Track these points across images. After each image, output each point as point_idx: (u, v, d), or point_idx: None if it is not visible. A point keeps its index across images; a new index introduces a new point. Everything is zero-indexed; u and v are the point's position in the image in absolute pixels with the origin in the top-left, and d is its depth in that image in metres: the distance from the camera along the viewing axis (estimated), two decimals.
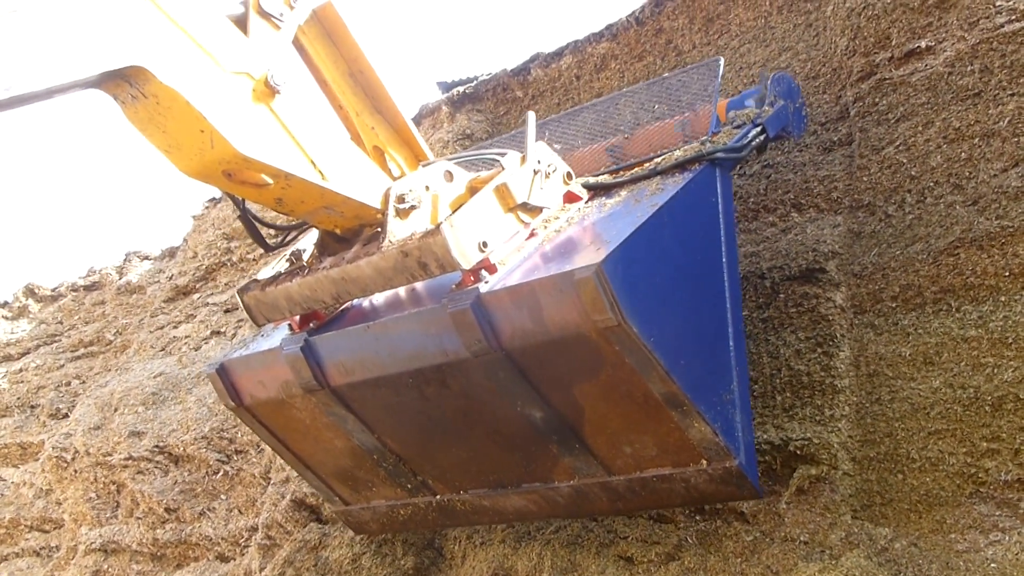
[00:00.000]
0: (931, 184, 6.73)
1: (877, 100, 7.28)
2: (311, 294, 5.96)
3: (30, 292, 15.96)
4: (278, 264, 6.41)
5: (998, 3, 6.87)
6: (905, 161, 6.93)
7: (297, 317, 6.34)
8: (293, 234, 6.45)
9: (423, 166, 6.09)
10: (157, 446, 10.95)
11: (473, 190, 5.90)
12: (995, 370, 5.97)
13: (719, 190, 5.98)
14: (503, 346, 5.34)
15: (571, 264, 5.07)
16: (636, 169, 6.35)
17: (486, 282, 5.44)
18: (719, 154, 6.01)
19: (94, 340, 14.18)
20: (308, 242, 6.35)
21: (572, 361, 5.29)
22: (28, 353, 14.98)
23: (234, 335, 11.54)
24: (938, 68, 7.01)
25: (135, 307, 13.96)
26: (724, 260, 5.87)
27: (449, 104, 10.92)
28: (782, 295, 6.91)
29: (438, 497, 6.74)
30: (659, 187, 5.87)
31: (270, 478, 9.74)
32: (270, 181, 5.33)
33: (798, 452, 6.25)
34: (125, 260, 15.10)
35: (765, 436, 6.41)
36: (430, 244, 5.36)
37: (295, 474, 9.04)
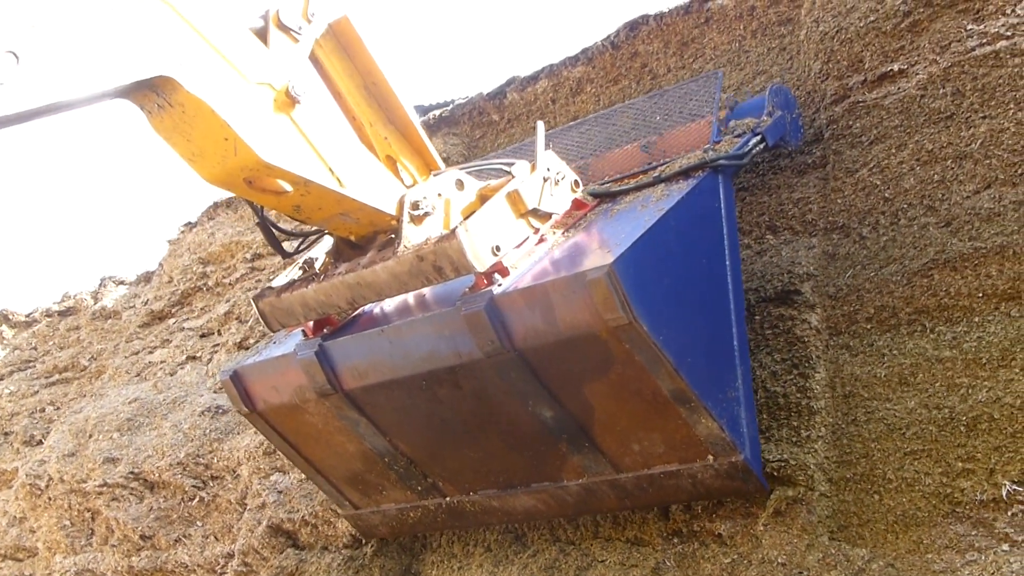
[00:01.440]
0: (905, 206, 6.77)
1: (851, 123, 7.32)
2: (326, 299, 6.12)
3: (3, 318, 15.83)
4: (291, 272, 6.53)
5: (969, 27, 6.93)
6: (879, 183, 6.97)
7: (311, 323, 6.48)
8: (310, 240, 6.59)
9: (435, 175, 6.26)
10: (132, 472, 10.85)
11: (484, 198, 6.09)
12: (969, 390, 5.99)
13: (722, 196, 6.20)
14: (516, 346, 5.50)
15: (582, 266, 5.27)
16: (641, 177, 6.59)
17: (499, 285, 5.63)
18: (721, 161, 6.24)
19: (69, 366, 14.06)
20: (320, 251, 6.49)
21: (583, 360, 5.44)
22: (1, 380, 14.84)
23: (210, 360, 11.48)
24: (911, 91, 7.06)
25: (110, 332, 13.86)
26: (728, 263, 6.08)
27: (425, 127, 10.92)
28: (758, 317, 6.92)
29: (448, 499, 6.84)
30: (664, 193, 6.08)
31: (246, 504, 9.68)
32: (289, 188, 5.54)
33: (775, 474, 6.25)
34: (100, 285, 15.00)
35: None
36: (445, 248, 5.56)
37: (272, 499, 9.00)
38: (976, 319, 6.22)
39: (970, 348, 6.12)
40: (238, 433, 10.10)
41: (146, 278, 14.24)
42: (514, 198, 6.00)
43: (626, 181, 6.77)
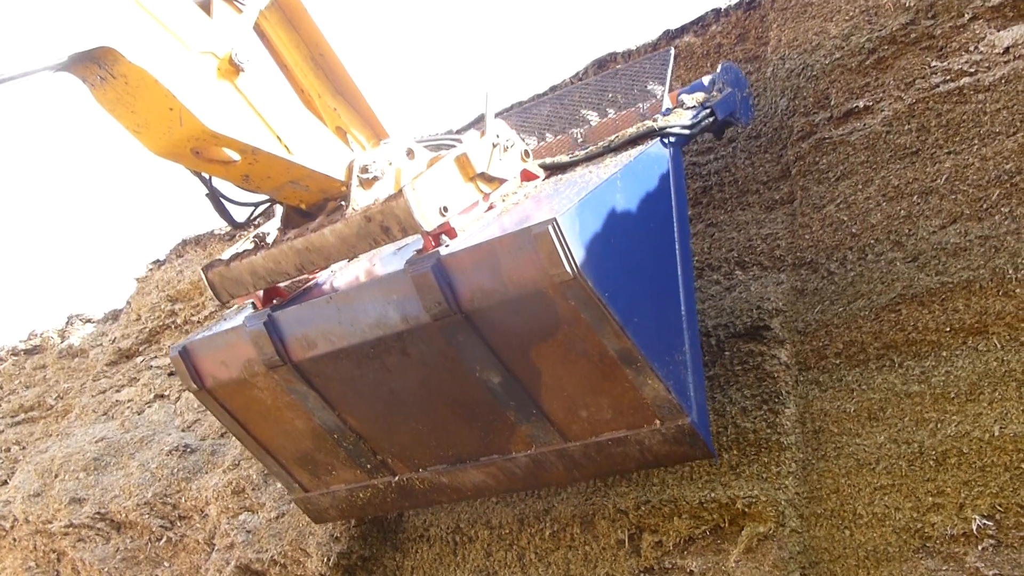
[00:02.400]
0: (872, 241, 6.81)
1: (817, 159, 7.38)
2: (275, 266, 6.10)
3: None
4: (243, 245, 6.49)
5: (933, 64, 7.02)
6: (846, 219, 7.02)
7: (260, 294, 6.44)
8: (260, 208, 6.49)
9: (385, 143, 6.27)
10: (99, 513, 10.73)
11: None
12: (938, 425, 6.01)
13: (670, 165, 6.28)
14: (463, 308, 5.49)
15: (528, 224, 5.25)
16: (591, 148, 6.66)
17: (447, 246, 5.60)
18: (669, 129, 6.38)
19: (35, 405, 13.92)
20: (272, 227, 6.45)
21: (530, 320, 5.43)
22: None
23: (178, 399, 11.38)
24: (876, 127, 7.12)
25: (77, 371, 13.74)
26: (676, 232, 6.14)
27: None
28: (727, 353, 6.93)
29: (397, 477, 6.78)
30: (612, 162, 6.15)
31: (214, 544, 9.58)
32: (237, 158, 5.54)
33: (746, 510, 6.24)
34: (67, 323, 14.87)
35: (712, 495, 6.40)
36: (392, 207, 5.57)
37: (240, 539, 8.91)
38: (944, 353, 6.25)
39: (938, 383, 6.15)
40: (206, 472, 10.01)
41: (114, 316, 14.14)
42: (463, 161, 6.01)
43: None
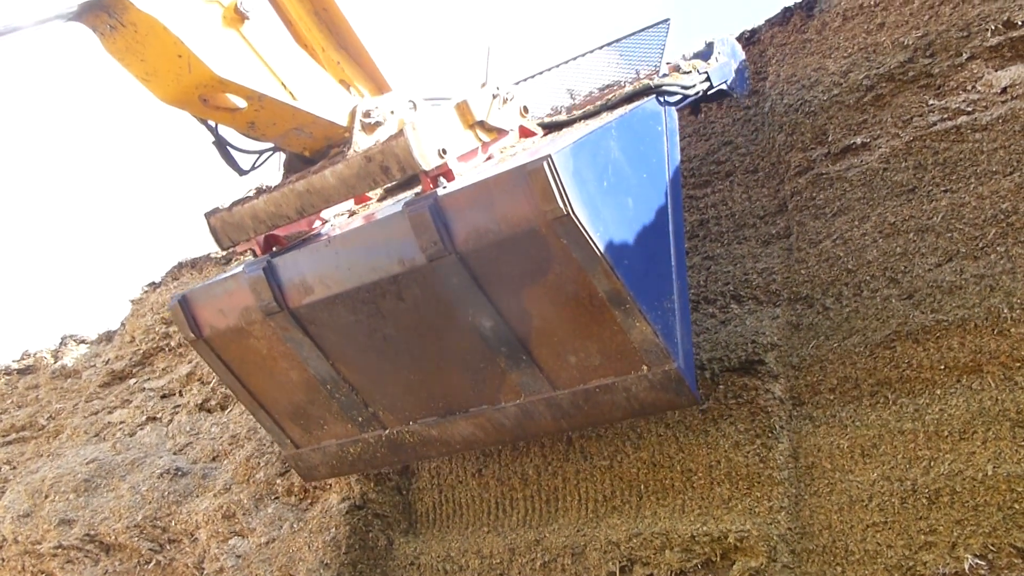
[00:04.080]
0: (867, 278, 6.82)
1: (814, 194, 7.40)
2: (276, 210, 6.21)
3: None
4: (244, 194, 6.59)
5: (931, 102, 7.05)
6: (842, 255, 7.03)
7: (261, 240, 6.54)
8: (264, 157, 6.61)
9: (387, 95, 6.46)
10: (88, 534, 10.68)
11: None
12: (931, 463, 6.00)
13: (665, 121, 6.46)
14: (457, 248, 5.60)
15: (524, 163, 5.38)
16: (588, 107, 6.86)
17: (444, 188, 5.74)
18: (664, 87, 6.58)
19: (26, 425, 13.87)
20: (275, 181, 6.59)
21: (523, 260, 5.54)
22: None
23: (170, 421, 11.35)
24: (873, 164, 7.14)
25: (70, 391, 13.70)
26: (668, 186, 6.26)
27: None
28: (721, 386, 6.92)
29: (387, 431, 6.84)
30: (609, 116, 6.30)
31: (204, 568, 9.53)
32: (243, 105, 5.72)
33: (737, 544, 6.22)
34: (61, 343, 14.83)
35: (704, 528, 6.38)
36: (392, 147, 5.74)
37: (230, 564, 8.87)
38: (938, 391, 6.24)
39: (932, 421, 6.14)
40: (197, 496, 9.97)
41: (107, 337, 14.11)
42: (463, 108, 6.26)
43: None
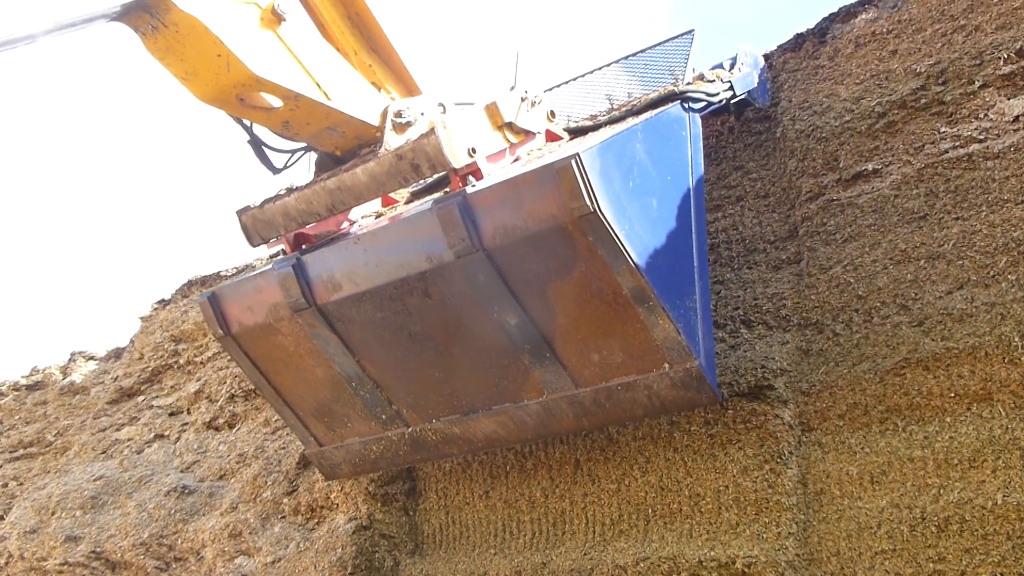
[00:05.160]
0: (878, 304, 6.81)
1: (825, 220, 7.39)
2: (307, 207, 6.36)
3: None
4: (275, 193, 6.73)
5: (943, 129, 7.05)
6: (852, 281, 7.02)
7: (292, 237, 6.68)
8: (297, 156, 6.74)
9: (418, 98, 6.59)
10: (94, 552, 10.68)
11: None
12: (941, 491, 5.98)
13: (689, 129, 6.60)
14: (484, 245, 5.71)
15: (551, 162, 5.50)
16: (614, 113, 6.98)
17: (473, 186, 5.87)
18: (690, 93, 6.71)
19: (34, 441, 13.87)
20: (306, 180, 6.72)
21: (548, 258, 5.66)
22: None
23: (178, 439, 11.35)
24: (884, 191, 7.14)
25: (78, 408, 13.71)
26: (692, 190, 6.37)
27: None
28: (730, 411, 6.91)
29: (410, 429, 6.92)
30: (634, 121, 6.40)
31: None
32: (278, 104, 5.92)
33: (745, 570, 6.20)
34: (70, 360, 14.85)
35: (712, 553, 6.36)
36: (423, 145, 5.88)
37: None
38: (948, 419, 6.23)
39: (942, 448, 6.12)
40: (204, 514, 9.97)
41: (116, 354, 14.12)
42: (492, 110, 6.37)
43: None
